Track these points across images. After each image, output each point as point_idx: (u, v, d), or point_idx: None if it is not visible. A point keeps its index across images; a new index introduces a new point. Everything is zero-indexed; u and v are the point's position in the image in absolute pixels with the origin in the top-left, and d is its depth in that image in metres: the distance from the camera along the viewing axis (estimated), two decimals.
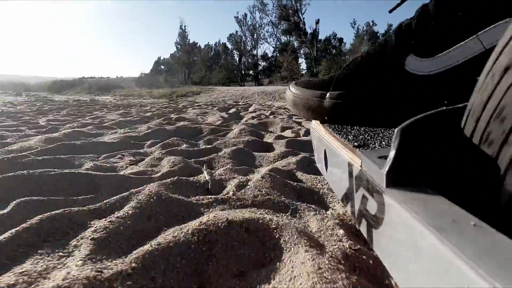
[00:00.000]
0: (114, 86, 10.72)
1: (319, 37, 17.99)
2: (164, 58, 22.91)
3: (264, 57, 19.96)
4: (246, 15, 19.33)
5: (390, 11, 0.38)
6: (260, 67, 19.86)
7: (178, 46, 19.49)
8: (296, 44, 18.31)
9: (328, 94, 0.35)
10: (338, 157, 0.27)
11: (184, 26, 19.68)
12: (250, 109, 2.99)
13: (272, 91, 6.09)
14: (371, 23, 18.25)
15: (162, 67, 22.48)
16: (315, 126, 0.40)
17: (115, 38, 76.79)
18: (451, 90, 0.29)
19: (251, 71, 19.97)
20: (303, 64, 18.12)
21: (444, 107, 0.18)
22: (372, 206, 0.18)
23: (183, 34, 19.54)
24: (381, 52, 0.33)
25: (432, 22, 0.30)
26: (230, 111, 2.64)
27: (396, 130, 0.17)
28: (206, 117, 2.08)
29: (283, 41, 18.95)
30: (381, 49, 0.33)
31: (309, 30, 17.65)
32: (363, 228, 0.20)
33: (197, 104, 3.91)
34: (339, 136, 0.29)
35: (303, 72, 17.35)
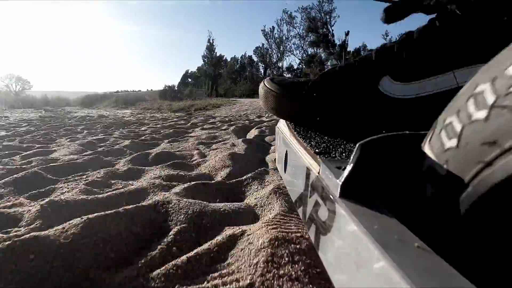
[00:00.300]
0: (139, 99, 15.29)
1: (348, 49, 26.02)
2: (191, 72, 34.22)
3: (290, 69, 29.16)
4: (273, 28, 29.03)
5: None
6: None
7: (205, 59, 29.19)
8: (323, 56, 26.94)
9: (300, 97, 0.50)
10: (298, 160, 0.40)
11: (212, 40, 29.31)
12: None
13: None
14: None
15: (190, 80, 33.27)
16: (281, 126, 0.56)
17: (149, 54, 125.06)
18: (417, 117, 0.43)
19: None
20: None
21: (407, 131, 0.29)
22: (323, 213, 0.29)
23: (210, 48, 29.01)
24: (360, 67, 0.49)
25: (414, 49, 0.46)
26: (251, 135, 2.66)
27: (357, 144, 0.28)
28: (210, 149, 2.02)
29: (309, 53, 27.97)
30: (360, 64, 0.50)
31: (337, 42, 26.25)
32: (311, 232, 0.30)
33: (211, 121, 4.60)
34: (302, 140, 0.42)
35: None
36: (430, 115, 0.30)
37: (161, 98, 15.92)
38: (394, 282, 0.18)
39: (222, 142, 2.29)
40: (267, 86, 0.57)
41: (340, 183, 0.27)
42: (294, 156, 0.44)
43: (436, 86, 0.44)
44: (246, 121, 3.92)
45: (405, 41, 0.48)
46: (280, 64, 28.72)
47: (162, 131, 3.20)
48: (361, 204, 0.26)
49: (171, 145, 2.22)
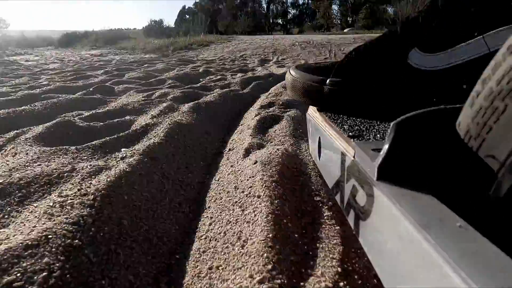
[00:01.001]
0: (122, 37, 14.06)
1: None
2: (189, 7, 33.69)
3: (294, 4, 29.30)
4: None
5: None
6: (290, 15, 29.58)
7: None
8: None
9: (328, 81, 0.50)
10: (332, 145, 0.40)
11: None
12: None
13: (321, 41, 5.70)
14: None
15: (187, 16, 32.23)
16: (312, 113, 0.56)
17: None
18: (451, 88, 0.39)
19: (280, 20, 29.50)
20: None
21: (443, 105, 0.28)
22: (361, 198, 0.29)
23: None
24: (386, 43, 0.48)
25: (440, 18, 0.44)
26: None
27: (391, 124, 0.27)
28: None
29: None
30: (386, 40, 0.48)
31: None
32: (350, 218, 0.30)
33: (162, 77, 2.39)
34: (335, 125, 0.42)
35: (339, 21, 26.02)
36: (464, 85, 0.29)
37: (146, 35, 14.65)
38: (437, 264, 0.17)
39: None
40: (293, 74, 0.58)
41: (377, 165, 0.26)
42: (327, 142, 0.44)
43: (467, 53, 0.42)
44: (237, 76, 2.30)
45: (430, 10, 0.47)
46: None
47: None
48: (400, 185, 0.25)
49: None
